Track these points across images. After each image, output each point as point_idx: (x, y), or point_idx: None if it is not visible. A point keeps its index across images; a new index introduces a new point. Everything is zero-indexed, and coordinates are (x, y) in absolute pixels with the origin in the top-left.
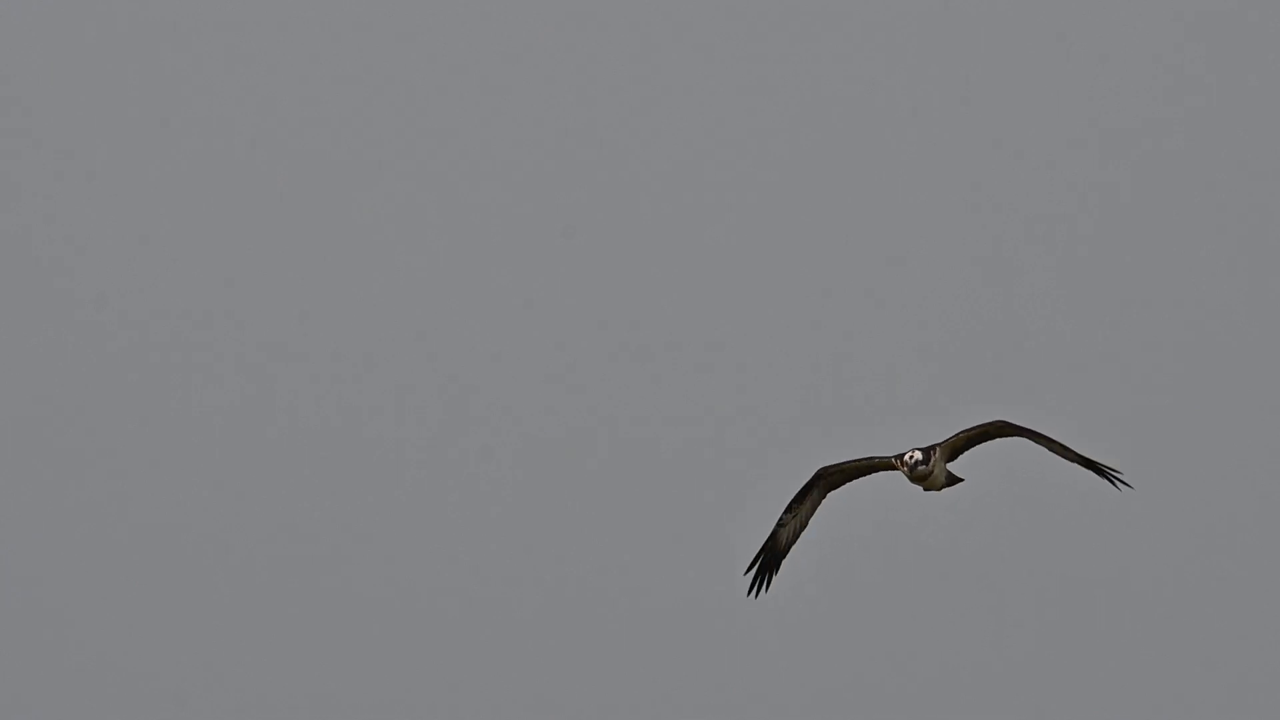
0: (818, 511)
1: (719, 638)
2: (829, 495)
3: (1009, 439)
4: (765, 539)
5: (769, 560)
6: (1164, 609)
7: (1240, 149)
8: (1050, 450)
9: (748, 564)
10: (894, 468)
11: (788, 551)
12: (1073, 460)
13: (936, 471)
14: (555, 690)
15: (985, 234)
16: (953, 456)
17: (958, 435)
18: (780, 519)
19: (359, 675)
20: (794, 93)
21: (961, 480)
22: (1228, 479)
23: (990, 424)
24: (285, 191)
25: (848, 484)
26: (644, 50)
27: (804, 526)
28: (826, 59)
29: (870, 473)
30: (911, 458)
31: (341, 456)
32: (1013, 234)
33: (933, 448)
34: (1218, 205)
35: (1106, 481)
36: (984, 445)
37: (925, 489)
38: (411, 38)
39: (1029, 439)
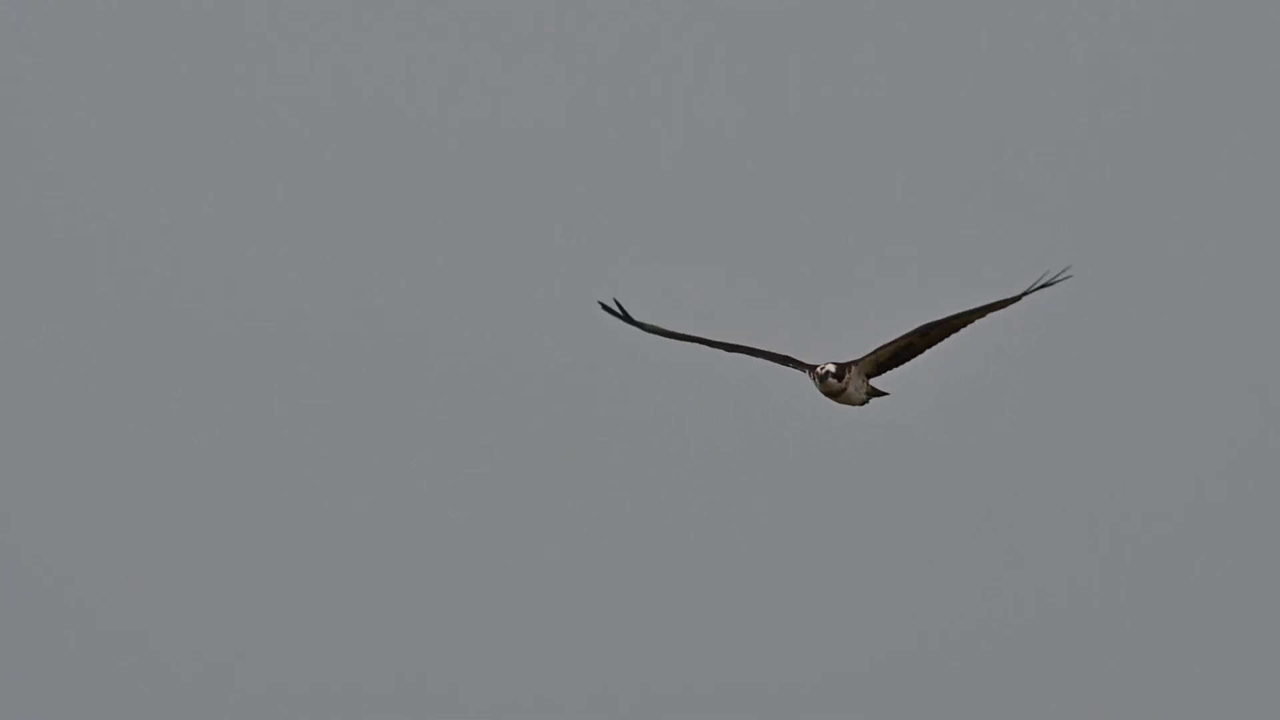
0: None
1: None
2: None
3: (934, 346)
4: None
5: (628, 318)
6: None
7: (1240, 148)
8: (974, 320)
9: (618, 306)
10: (808, 373)
11: (658, 332)
12: (994, 310)
13: (851, 389)
14: (554, 687)
15: (984, 233)
16: (877, 372)
17: (880, 349)
18: (683, 334)
19: (355, 672)
20: (794, 91)
21: (885, 394)
22: (1227, 477)
23: (912, 333)
24: (283, 190)
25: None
26: (644, 48)
27: (689, 342)
28: (826, 57)
29: (784, 365)
30: (824, 369)
31: (341, 457)
32: (1012, 233)
33: (849, 364)
34: (1219, 206)
35: (1020, 296)
36: (913, 361)
37: (840, 403)
38: (411, 36)
39: (954, 329)
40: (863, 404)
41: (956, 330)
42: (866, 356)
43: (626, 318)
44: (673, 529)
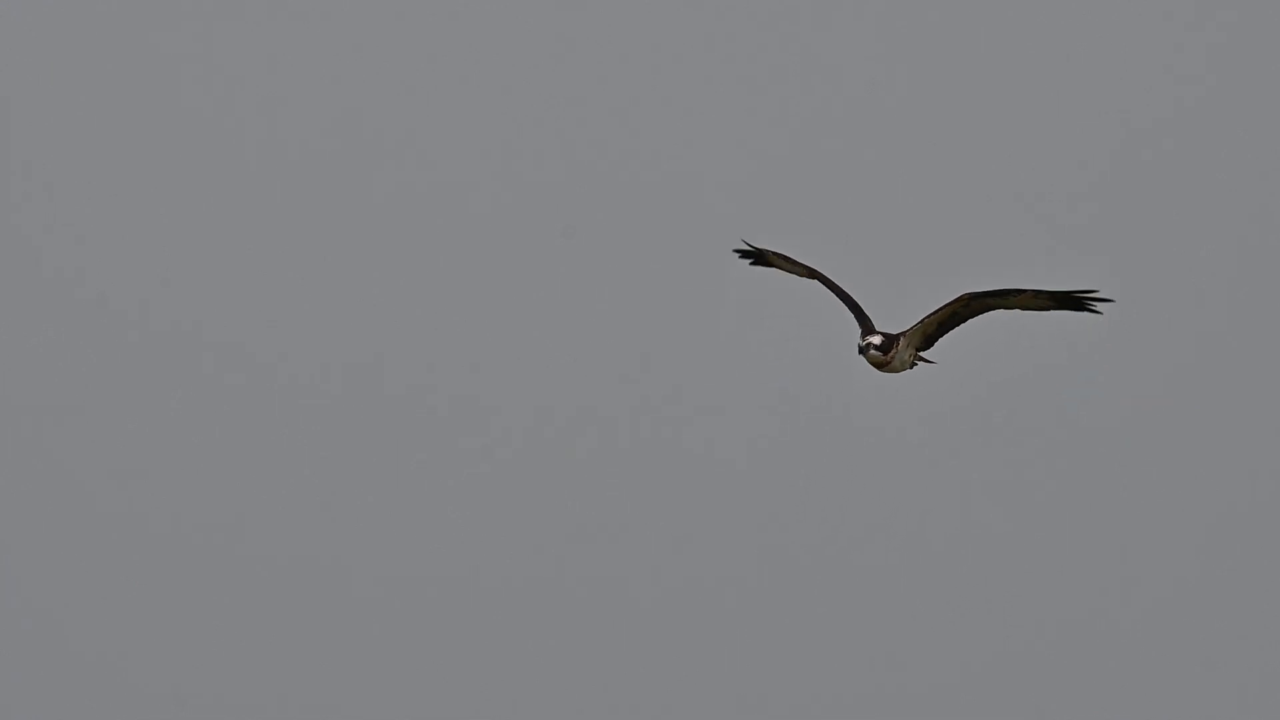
0: (799, 280)
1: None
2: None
3: (983, 314)
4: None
5: (755, 257)
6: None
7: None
8: (1024, 307)
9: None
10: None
11: (772, 264)
12: (1048, 305)
13: (896, 362)
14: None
15: (986, 234)
16: (926, 344)
17: (926, 320)
18: (772, 251)
19: (354, 680)
20: (795, 89)
21: (933, 363)
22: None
23: (955, 301)
24: (280, 190)
25: (831, 296)
26: (643, 47)
27: (788, 267)
28: (828, 56)
29: (851, 311)
30: (868, 341)
31: (340, 459)
32: (1012, 232)
33: (898, 337)
34: (1223, 206)
35: (1086, 312)
36: (964, 331)
37: (884, 371)
38: (409, 35)
39: (1001, 305)
40: (910, 368)
41: (997, 308)
42: (914, 328)
43: (755, 254)
44: (676, 541)
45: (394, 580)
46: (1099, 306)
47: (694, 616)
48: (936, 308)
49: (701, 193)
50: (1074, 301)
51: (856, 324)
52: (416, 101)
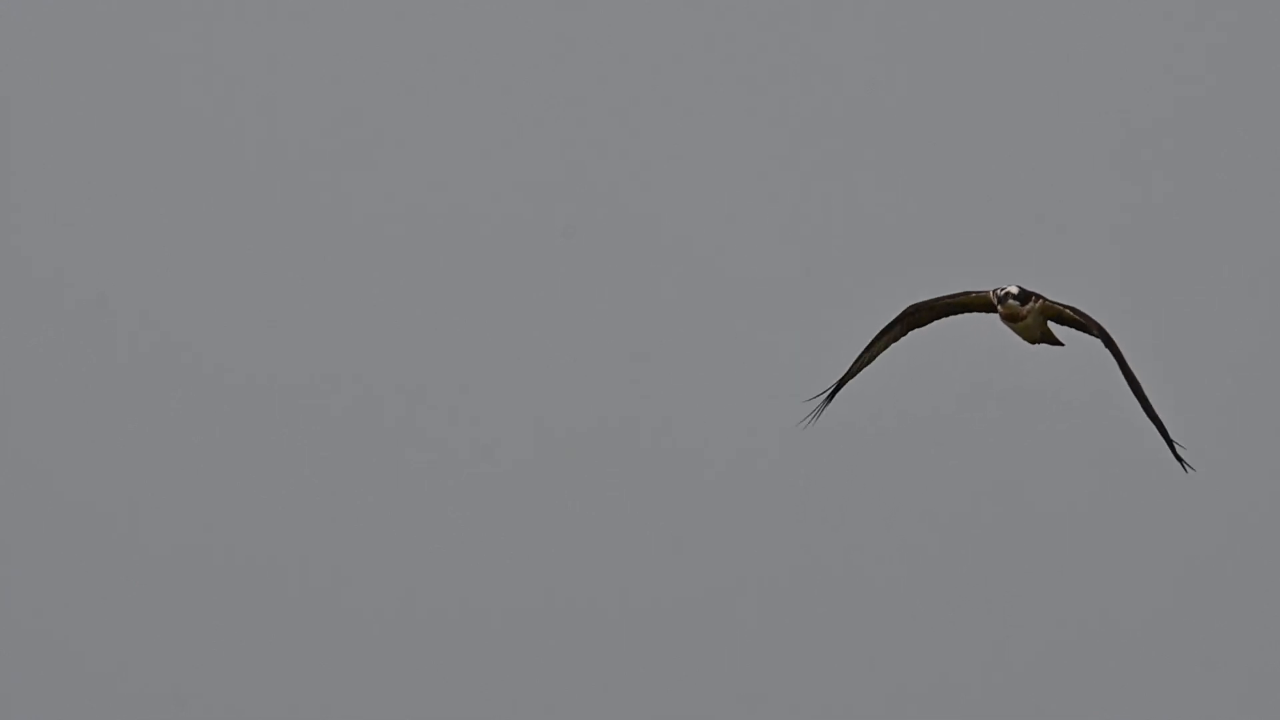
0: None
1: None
2: (911, 333)
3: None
4: (839, 378)
5: (832, 391)
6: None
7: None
8: (1129, 387)
9: (815, 394)
10: (988, 302)
11: (847, 381)
12: (1145, 411)
13: (1030, 319)
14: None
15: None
16: (1054, 319)
17: (1066, 306)
18: (858, 358)
19: (349, 690)
20: (795, 89)
21: (1061, 344)
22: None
23: (1093, 324)
24: (279, 190)
25: (934, 322)
26: (644, 47)
27: (872, 360)
28: (828, 56)
29: (962, 310)
30: (1003, 290)
31: (339, 462)
32: (1019, 231)
33: (1037, 296)
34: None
35: (1170, 454)
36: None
37: (1015, 331)
38: (409, 35)
39: (1116, 363)
40: (1034, 343)
41: (1119, 368)
42: (1052, 301)
43: (829, 395)
44: (675, 543)
45: (390, 590)
46: (1179, 458)
47: (693, 621)
48: (1080, 308)
49: (701, 192)
50: (1163, 435)
51: (978, 297)
52: (416, 101)
